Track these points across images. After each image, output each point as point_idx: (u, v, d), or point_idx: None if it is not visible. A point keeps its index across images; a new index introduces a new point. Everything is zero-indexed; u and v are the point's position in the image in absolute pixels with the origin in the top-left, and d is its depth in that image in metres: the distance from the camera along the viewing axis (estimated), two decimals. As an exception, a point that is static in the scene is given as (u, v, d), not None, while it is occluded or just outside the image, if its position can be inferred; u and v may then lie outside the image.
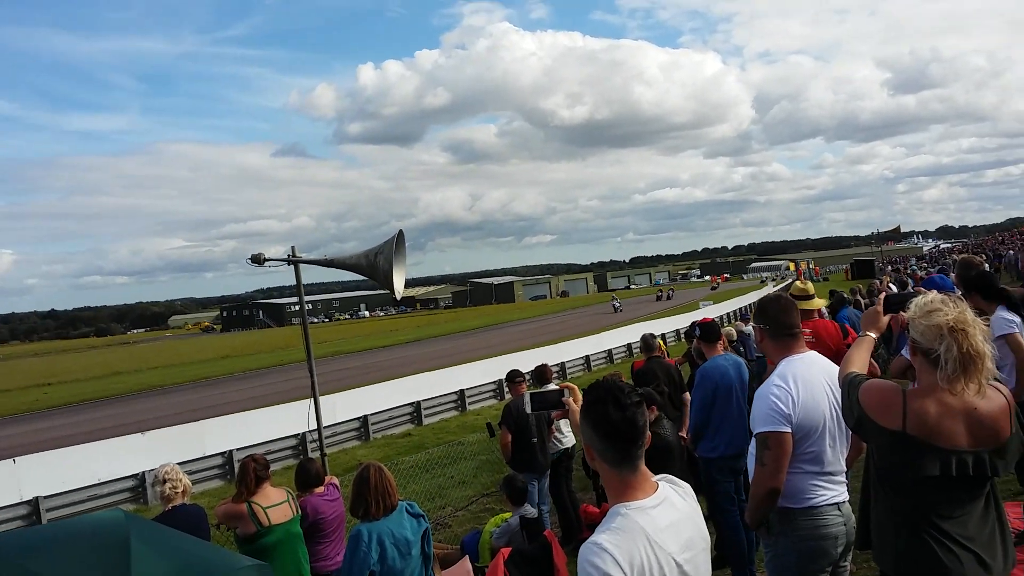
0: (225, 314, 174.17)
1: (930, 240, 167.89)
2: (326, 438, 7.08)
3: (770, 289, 46.93)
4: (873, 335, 3.22)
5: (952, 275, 11.14)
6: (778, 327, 3.55)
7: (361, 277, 7.05)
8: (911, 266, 41.80)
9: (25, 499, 11.35)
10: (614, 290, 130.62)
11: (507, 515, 6.27)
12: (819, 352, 3.69)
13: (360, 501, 4.14)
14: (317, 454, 7.01)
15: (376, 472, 4.19)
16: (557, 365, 22.06)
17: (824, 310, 8.36)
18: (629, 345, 27.07)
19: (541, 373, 8.05)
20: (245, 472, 4.98)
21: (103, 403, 33.22)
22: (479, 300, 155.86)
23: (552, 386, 6.67)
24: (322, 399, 7.01)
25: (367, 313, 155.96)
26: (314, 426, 6.76)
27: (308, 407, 6.71)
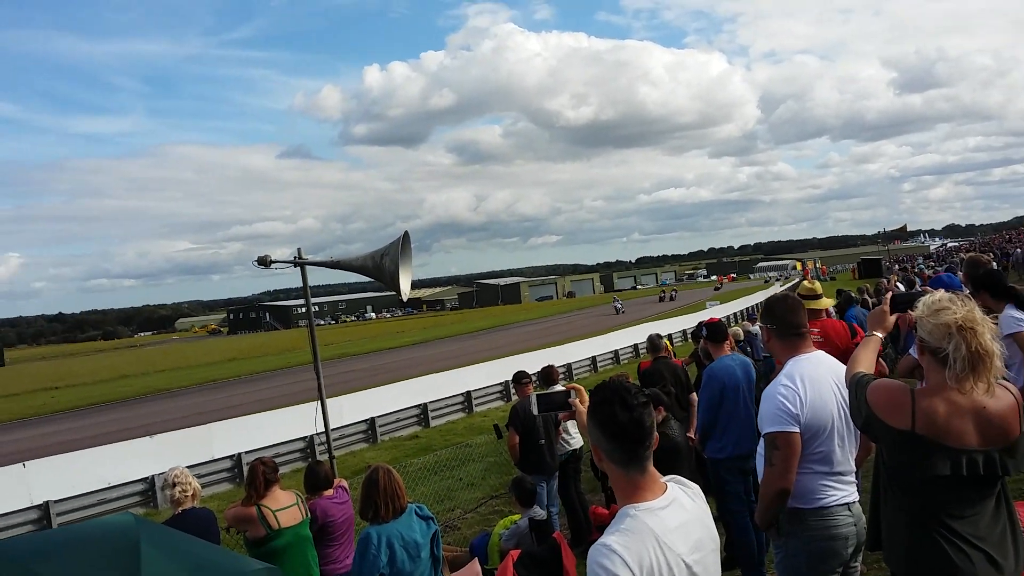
0: (232, 316, 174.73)
1: (937, 239, 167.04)
2: (334, 440, 7.08)
3: (776, 289, 46.83)
4: (879, 335, 3.22)
5: (960, 273, 11.09)
6: (785, 327, 3.54)
7: (367, 279, 7.05)
8: (918, 265, 41.72)
9: (35, 503, 11.40)
10: (620, 291, 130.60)
11: (516, 517, 6.27)
12: (828, 352, 3.68)
13: (369, 504, 4.14)
14: (325, 457, 7.02)
15: (385, 474, 4.20)
16: (563, 366, 22.04)
17: (832, 310, 8.33)
18: (635, 346, 27.04)
19: (547, 374, 8.04)
20: (254, 475, 4.99)
21: (111, 407, 33.33)
22: (485, 301, 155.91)
23: (558, 387, 6.67)
24: (329, 401, 7.02)
25: (373, 315, 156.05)
26: (322, 428, 6.77)
27: (315, 409, 6.73)
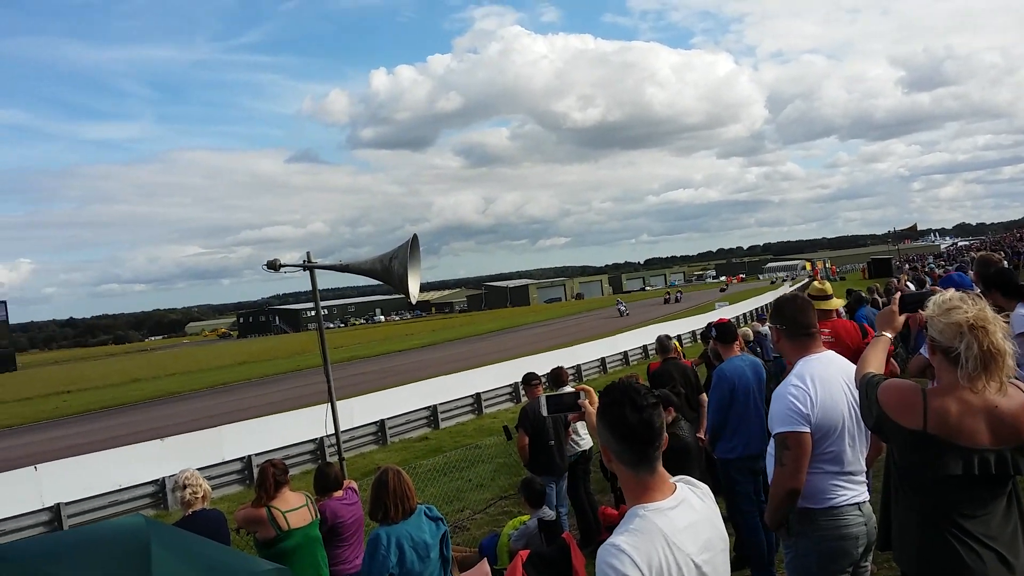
0: (241, 320, 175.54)
1: (947, 238, 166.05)
2: (344, 442, 7.09)
3: (784, 289, 46.65)
4: (889, 335, 3.20)
5: (970, 272, 11.03)
6: (795, 327, 3.53)
7: (376, 282, 7.05)
8: (929, 264, 41.47)
9: (47, 505, 11.48)
10: (628, 292, 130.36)
11: (525, 517, 6.27)
12: (838, 352, 3.67)
13: (379, 505, 4.15)
14: (335, 458, 7.04)
15: (395, 476, 4.21)
16: (572, 367, 22.06)
17: (842, 310, 8.31)
18: (645, 347, 27.01)
19: (557, 375, 8.05)
20: (264, 477, 5.01)
21: (122, 410, 33.53)
22: (494, 303, 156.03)
23: (568, 388, 6.67)
24: (339, 404, 7.03)
25: (382, 318, 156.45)
26: (331, 430, 6.78)
27: (325, 412, 6.73)
